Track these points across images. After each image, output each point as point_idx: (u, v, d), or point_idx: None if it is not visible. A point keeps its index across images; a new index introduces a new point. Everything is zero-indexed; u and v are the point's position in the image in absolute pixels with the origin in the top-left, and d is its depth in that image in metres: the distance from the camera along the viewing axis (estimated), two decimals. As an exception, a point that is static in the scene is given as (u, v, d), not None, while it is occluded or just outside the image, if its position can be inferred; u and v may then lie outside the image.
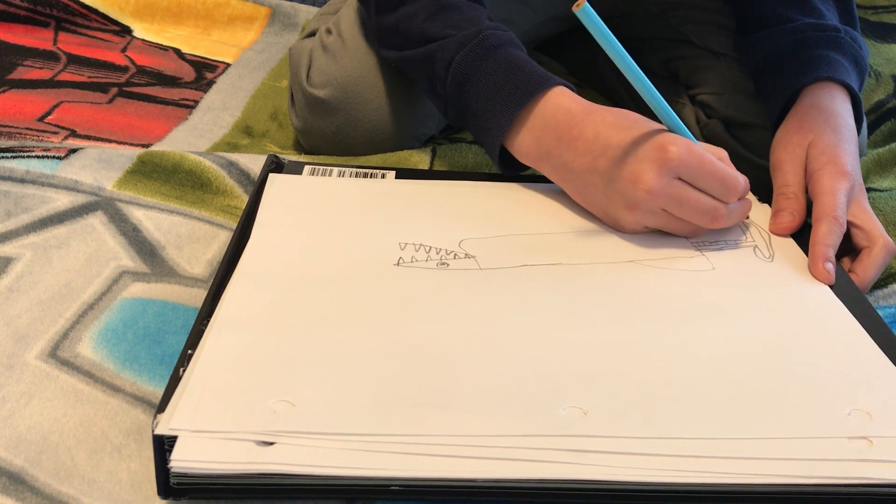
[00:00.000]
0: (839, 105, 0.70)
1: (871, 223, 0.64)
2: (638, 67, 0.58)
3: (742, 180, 0.61)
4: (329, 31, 0.85)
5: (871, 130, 0.94)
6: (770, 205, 0.70)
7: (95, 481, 0.44)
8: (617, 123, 0.62)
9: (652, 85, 0.59)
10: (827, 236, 0.61)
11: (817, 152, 0.66)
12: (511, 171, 0.69)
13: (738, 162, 0.83)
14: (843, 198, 0.63)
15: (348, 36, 0.83)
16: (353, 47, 0.82)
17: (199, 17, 1.22)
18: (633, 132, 0.61)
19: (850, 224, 0.64)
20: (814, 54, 0.72)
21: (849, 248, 0.65)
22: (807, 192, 0.67)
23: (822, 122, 0.68)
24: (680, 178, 0.60)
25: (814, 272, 0.60)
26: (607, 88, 1.00)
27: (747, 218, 0.67)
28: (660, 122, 0.62)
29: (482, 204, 0.66)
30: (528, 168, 0.69)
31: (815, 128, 0.68)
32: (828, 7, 0.78)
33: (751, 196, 0.70)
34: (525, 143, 0.66)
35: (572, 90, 0.66)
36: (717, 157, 0.63)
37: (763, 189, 0.72)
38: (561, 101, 0.64)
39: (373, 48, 0.82)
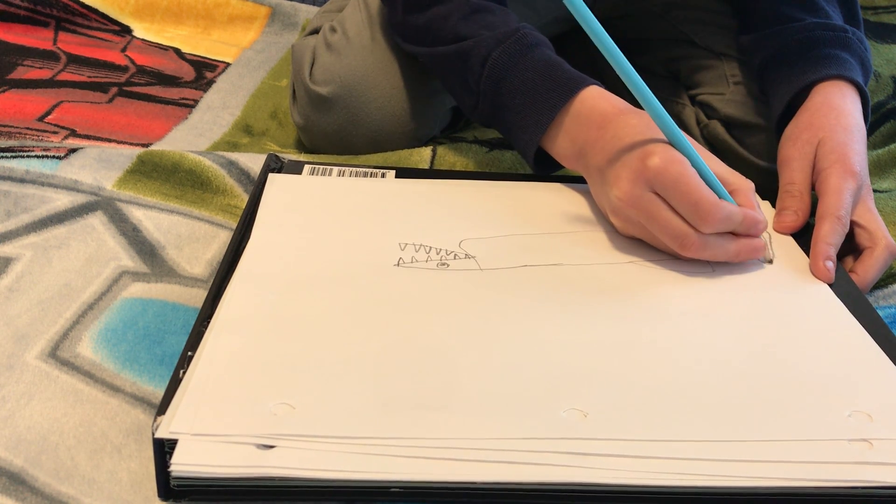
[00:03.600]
0: (850, 104, 0.70)
1: (875, 224, 0.64)
2: (628, 62, 0.56)
3: (726, 212, 0.56)
4: (333, 29, 0.85)
5: (870, 132, 0.94)
6: (770, 202, 0.70)
7: (95, 481, 0.44)
8: (636, 127, 0.60)
9: (644, 84, 0.57)
10: (829, 235, 0.61)
11: (827, 150, 0.66)
12: (544, 170, 0.69)
13: (737, 163, 0.84)
14: (849, 197, 0.63)
15: (353, 34, 0.83)
16: (357, 45, 0.82)
17: (199, 17, 1.22)
18: (641, 138, 0.59)
19: (854, 224, 0.64)
20: (823, 52, 0.72)
21: (852, 248, 0.65)
22: (812, 190, 0.67)
23: (832, 120, 0.68)
24: (657, 193, 0.57)
25: (814, 270, 0.60)
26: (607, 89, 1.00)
27: (766, 260, 0.61)
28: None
29: (482, 204, 0.66)
30: (560, 169, 0.69)
31: (825, 126, 0.67)
32: (833, 8, 0.78)
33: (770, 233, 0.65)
34: (562, 144, 0.65)
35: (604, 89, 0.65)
36: (740, 189, 0.60)
37: (763, 189, 0.72)
38: (596, 102, 0.64)
39: (377, 47, 0.82)
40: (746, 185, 0.61)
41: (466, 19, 0.71)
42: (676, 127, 0.58)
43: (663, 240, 0.58)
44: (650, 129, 0.59)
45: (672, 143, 0.58)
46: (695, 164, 0.57)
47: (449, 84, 0.74)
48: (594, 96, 0.64)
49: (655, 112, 0.57)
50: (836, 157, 0.65)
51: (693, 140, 0.60)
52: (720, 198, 0.57)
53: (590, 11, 0.54)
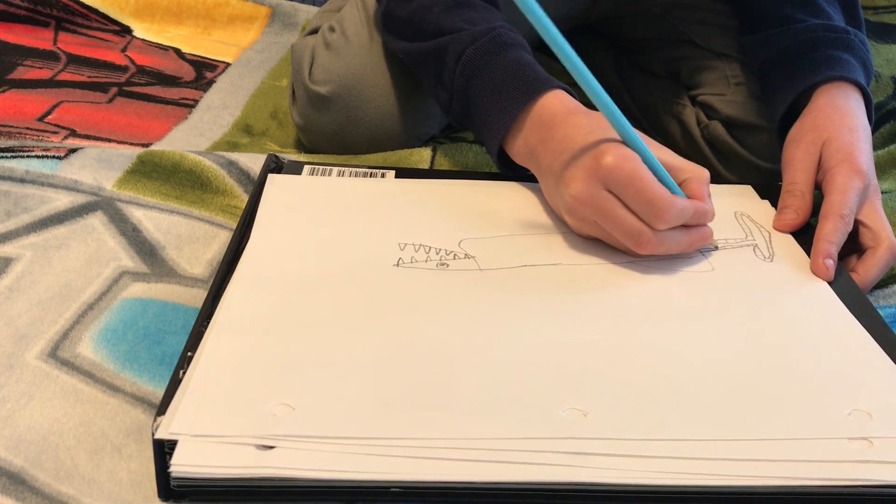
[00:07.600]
0: (854, 105, 0.70)
1: (880, 224, 0.64)
2: (576, 55, 0.55)
3: (679, 207, 0.56)
4: (332, 29, 0.85)
5: (871, 132, 0.94)
6: (769, 201, 0.70)
7: (95, 481, 0.44)
8: (586, 126, 0.60)
9: (594, 79, 0.56)
10: (831, 233, 0.61)
11: (833, 150, 0.66)
12: (508, 170, 0.69)
13: (738, 163, 0.84)
14: (854, 197, 0.63)
15: (352, 34, 0.83)
16: (356, 45, 0.82)
17: (199, 17, 1.22)
18: (592, 137, 0.58)
19: (858, 223, 0.64)
20: (825, 54, 0.72)
21: (855, 248, 0.65)
22: (815, 190, 0.67)
23: (837, 121, 0.68)
24: (611, 191, 0.57)
25: (813, 268, 0.60)
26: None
27: (713, 246, 0.62)
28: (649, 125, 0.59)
29: (482, 204, 0.66)
30: (526, 168, 0.69)
31: (830, 127, 0.67)
32: (834, 9, 0.78)
33: (761, 202, 0.67)
34: (517, 144, 0.65)
35: (571, 94, 0.65)
36: (695, 177, 0.60)
37: (764, 190, 0.72)
38: (550, 103, 0.63)
39: (376, 46, 0.82)
40: (700, 174, 0.61)
41: (448, 12, 0.71)
42: (627, 122, 0.57)
43: (618, 238, 0.58)
44: (600, 128, 0.59)
45: (623, 139, 0.58)
46: (646, 161, 0.57)
47: (427, 81, 0.74)
48: (551, 97, 0.64)
49: (604, 105, 0.56)
50: (842, 156, 0.65)
51: (643, 134, 0.59)
52: (671, 192, 0.57)
53: (538, 6, 0.53)
